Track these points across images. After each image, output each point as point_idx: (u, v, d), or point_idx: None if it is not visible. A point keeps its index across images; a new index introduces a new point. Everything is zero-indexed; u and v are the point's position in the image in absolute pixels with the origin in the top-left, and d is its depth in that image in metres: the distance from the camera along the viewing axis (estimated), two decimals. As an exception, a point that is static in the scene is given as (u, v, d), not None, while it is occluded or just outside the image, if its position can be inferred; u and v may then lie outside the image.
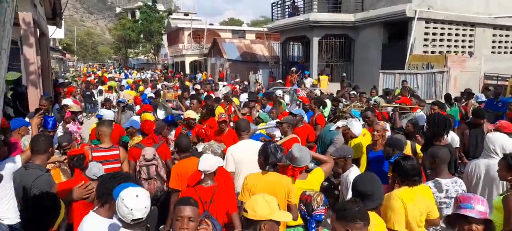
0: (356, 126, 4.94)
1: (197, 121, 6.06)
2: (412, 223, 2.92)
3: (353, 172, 3.76)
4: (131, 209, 2.22)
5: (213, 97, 8.81)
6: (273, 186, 3.08)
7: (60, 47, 34.71)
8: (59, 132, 5.33)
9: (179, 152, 4.04)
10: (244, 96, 7.72)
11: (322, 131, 5.50)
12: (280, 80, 16.26)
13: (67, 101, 7.20)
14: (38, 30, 9.07)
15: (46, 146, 3.33)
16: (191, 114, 5.97)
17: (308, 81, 15.06)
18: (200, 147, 4.37)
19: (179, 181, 3.61)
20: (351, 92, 9.82)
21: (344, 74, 15.58)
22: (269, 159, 3.23)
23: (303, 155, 3.27)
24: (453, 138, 5.41)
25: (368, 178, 2.79)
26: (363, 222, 2.04)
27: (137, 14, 40.78)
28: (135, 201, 2.24)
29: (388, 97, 8.29)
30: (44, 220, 1.96)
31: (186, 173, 3.41)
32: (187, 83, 17.11)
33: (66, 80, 19.36)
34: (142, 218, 2.26)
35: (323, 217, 2.39)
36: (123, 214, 2.24)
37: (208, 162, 3.17)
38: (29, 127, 4.65)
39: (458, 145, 5.54)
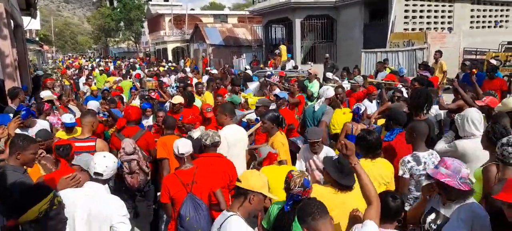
0: (329, 90, 5.51)
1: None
2: None
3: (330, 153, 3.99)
4: (95, 163, 2.75)
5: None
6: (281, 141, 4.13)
7: (37, 39, 33.72)
8: (39, 125, 5.13)
9: (165, 129, 4.58)
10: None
11: (307, 112, 5.56)
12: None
13: (44, 93, 7.03)
14: (12, 21, 8.79)
15: (15, 148, 3.07)
16: (181, 99, 5.94)
17: (290, 64, 15.09)
18: (195, 134, 4.36)
19: (165, 150, 4.17)
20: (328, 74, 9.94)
21: (327, 55, 15.64)
22: (283, 123, 4.36)
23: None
24: (437, 111, 5.54)
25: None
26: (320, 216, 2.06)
27: (115, 1, 39.72)
28: (101, 159, 2.78)
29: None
30: (20, 205, 1.93)
31: (170, 146, 3.71)
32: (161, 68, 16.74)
33: (46, 72, 18.87)
34: (101, 173, 2.73)
35: (300, 197, 2.46)
36: (90, 167, 2.78)
37: (185, 146, 3.26)
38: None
39: (442, 118, 5.67)
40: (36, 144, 3.28)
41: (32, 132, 4.58)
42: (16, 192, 2.03)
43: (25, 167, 3.12)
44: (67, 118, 4.67)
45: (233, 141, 4.11)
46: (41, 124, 5.02)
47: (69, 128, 4.67)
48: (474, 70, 7.73)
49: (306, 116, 5.50)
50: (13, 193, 2.09)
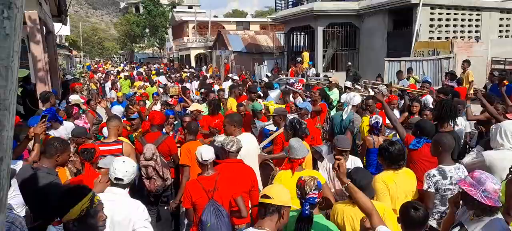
0: (356, 97, 5.48)
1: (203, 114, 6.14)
2: (395, 202, 3.20)
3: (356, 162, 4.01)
4: (115, 169, 2.81)
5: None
6: None
7: (66, 44, 34.98)
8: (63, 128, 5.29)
9: (188, 134, 4.67)
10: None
11: (335, 120, 5.55)
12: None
13: (72, 97, 7.30)
14: (44, 27, 9.19)
15: (55, 151, 3.24)
16: (198, 107, 6.01)
17: (311, 71, 15.05)
18: (219, 138, 4.42)
19: (188, 157, 4.21)
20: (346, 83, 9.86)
21: (349, 63, 15.53)
22: (299, 132, 4.17)
23: (302, 146, 3.44)
24: (462, 123, 5.41)
25: (365, 172, 3.02)
26: None
27: (141, 8, 40.80)
28: (120, 164, 2.84)
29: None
30: (63, 205, 2.04)
31: (194, 153, 3.66)
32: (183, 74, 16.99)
33: (74, 77, 19.51)
34: (122, 179, 2.80)
35: (316, 200, 2.49)
36: (110, 173, 2.84)
37: (208, 153, 3.30)
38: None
39: (469, 130, 5.53)
40: (70, 145, 3.47)
41: (56, 133, 4.79)
42: (54, 194, 2.16)
43: (57, 169, 3.28)
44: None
45: (245, 150, 4.10)
46: (66, 126, 5.20)
47: None
48: (505, 81, 7.46)
49: (335, 124, 5.50)
50: (51, 195, 2.21)
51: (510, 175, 2.91)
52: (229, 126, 4.31)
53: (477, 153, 3.79)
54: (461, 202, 2.54)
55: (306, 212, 2.43)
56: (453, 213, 2.64)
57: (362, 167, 4.04)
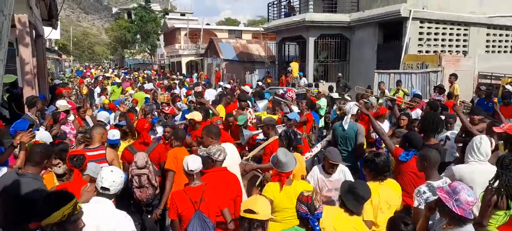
0: (354, 107, 5.47)
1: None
2: (377, 213, 3.27)
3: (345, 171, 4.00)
4: (102, 177, 2.78)
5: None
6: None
7: (56, 48, 34.58)
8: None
9: (175, 140, 4.60)
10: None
11: (337, 131, 5.49)
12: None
13: (59, 102, 7.17)
14: (34, 31, 9.08)
15: (42, 157, 3.22)
16: (196, 116, 5.90)
17: (302, 81, 15.13)
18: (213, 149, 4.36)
19: (174, 163, 4.19)
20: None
21: (340, 74, 15.65)
22: (294, 142, 4.22)
23: (289, 159, 3.33)
24: (453, 138, 5.44)
25: (367, 186, 2.96)
26: None
27: (133, 15, 40.68)
28: (108, 173, 2.81)
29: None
30: (46, 208, 2.02)
31: (180, 160, 3.62)
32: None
33: (62, 81, 19.28)
34: (108, 188, 2.77)
35: (321, 215, 2.44)
36: (97, 182, 2.82)
37: (195, 162, 3.26)
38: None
39: (460, 145, 5.55)
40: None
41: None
42: (39, 201, 2.15)
43: (42, 175, 3.24)
44: (111, 135, 4.75)
45: (229, 159, 4.01)
46: (42, 135, 4.95)
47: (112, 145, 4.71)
48: (494, 99, 7.59)
49: (337, 135, 5.38)
50: (36, 202, 2.19)
51: (489, 186, 2.97)
52: (206, 138, 4.21)
53: (448, 168, 3.85)
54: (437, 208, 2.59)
55: (318, 228, 2.36)
56: (426, 217, 2.69)
57: (352, 178, 4.05)
